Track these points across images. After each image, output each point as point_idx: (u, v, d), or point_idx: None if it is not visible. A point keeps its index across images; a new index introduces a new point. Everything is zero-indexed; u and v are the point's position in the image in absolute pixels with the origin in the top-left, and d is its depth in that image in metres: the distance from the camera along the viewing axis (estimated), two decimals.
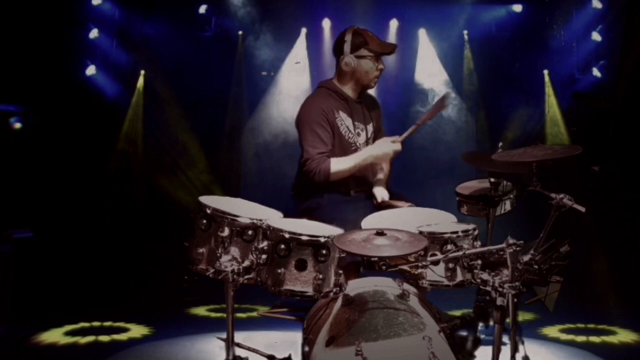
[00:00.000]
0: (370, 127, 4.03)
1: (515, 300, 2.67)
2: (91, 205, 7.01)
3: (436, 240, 2.96)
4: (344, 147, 3.87)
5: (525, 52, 7.47)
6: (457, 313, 4.83)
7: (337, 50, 3.95)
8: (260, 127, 7.67)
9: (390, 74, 7.58)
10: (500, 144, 3.39)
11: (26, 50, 6.31)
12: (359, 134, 3.94)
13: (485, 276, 2.81)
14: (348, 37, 3.89)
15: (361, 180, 3.94)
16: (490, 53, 7.59)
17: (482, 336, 3.27)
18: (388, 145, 3.81)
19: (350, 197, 3.89)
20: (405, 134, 3.85)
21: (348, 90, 3.97)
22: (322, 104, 3.87)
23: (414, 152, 7.15)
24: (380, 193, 3.89)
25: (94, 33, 7.23)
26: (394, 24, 7.62)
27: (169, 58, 7.43)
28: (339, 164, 3.75)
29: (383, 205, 3.82)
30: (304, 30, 7.70)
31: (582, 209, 2.77)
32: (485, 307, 3.20)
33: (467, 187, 3.78)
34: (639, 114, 6.04)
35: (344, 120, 3.89)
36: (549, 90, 7.61)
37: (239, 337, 3.05)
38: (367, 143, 3.96)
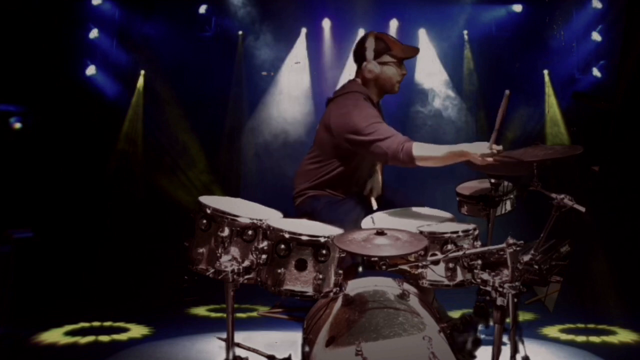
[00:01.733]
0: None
1: (515, 300, 2.67)
2: (91, 205, 7.01)
3: (436, 240, 2.96)
4: None
5: (525, 52, 7.47)
6: (457, 313, 4.83)
7: (359, 56, 3.84)
8: (260, 127, 7.67)
9: None
10: (500, 146, 3.39)
11: (26, 50, 6.32)
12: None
13: (485, 276, 2.81)
14: (369, 44, 3.81)
15: (358, 182, 3.93)
16: (490, 53, 7.59)
17: (482, 336, 3.26)
18: (483, 147, 3.34)
19: (346, 200, 3.86)
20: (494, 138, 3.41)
21: (373, 96, 3.86)
22: (367, 105, 3.70)
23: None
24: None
25: (94, 33, 7.23)
26: (394, 24, 7.62)
27: (169, 58, 7.44)
28: (423, 149, 3.44)
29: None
30: (304, 30, 7.71)
31: (582, 209, 2.77)
32: (485, 307, 3.20)
33: (468, 187, 3.78)
34: (639, 114, 6.04)
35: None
36: (549, 90, 7.61)
37: (239, 337, 3.05)
38: None
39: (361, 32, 7.34)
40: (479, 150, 3.29)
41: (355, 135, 3.56)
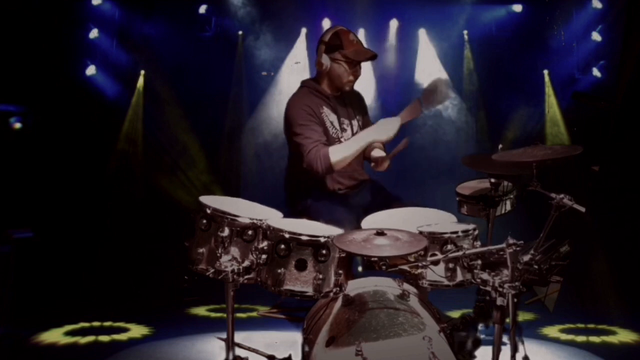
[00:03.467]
0: (355, 122, 4.04)
1: (515, 300, 2.67)
2: (91, 205, 7.01)
3: (436, 240, 2.96)
4: (330, 142, 3.85)
5: (525, 52, 7.47)
6: (457, 313, 4.83)
7: (317, 47, 3.95)
8: (260, 127, 7.67)
9: (390, 74, 7.61)
10: (500, 145, 3.39)
11: (26, 50, 6.32)
12: (344, 129, 3.94)
13: (485, 276, 2.81)
14: (326, 37, 3.89)
15: (349, 180, 3.93)
16: (490, 53, 7.59)
17: (482, 336, 3.27)
18: (389, 127, 3.69)
19: (337, 197, 3.88)
20: (407, 114, 3.75)
21: (326, 87, 3.96)
22: (306, 101, 3.86)
23: (414, 152, 7.16)
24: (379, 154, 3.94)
25: (94, 33, 7.23)
26: (394, 24, 7.62)
27: (169, 58, 7.43)
28: (338, 151, 3.67)
29: (384, 158, 3.88)
30: (304, 30, 7.70)
31: (582, 209, 2.77)
32: (485, 307, 3.21)
33: (468, 187, 3.78)
34: (639, 114, 6.04)
35: (328, 116, 3.90)
36: (549, 90, 7.61)
37: (239, 337, 3.05)
38: None
39: (361, 32, 7.35)
40: (390, 128, 3.66)
41: (289, 130, 3.79)
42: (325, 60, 3.88)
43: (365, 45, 4.01)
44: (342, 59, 3.86)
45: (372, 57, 3.93)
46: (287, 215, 3.16)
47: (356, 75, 3.94)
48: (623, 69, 6.35)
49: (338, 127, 3.91)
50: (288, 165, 4.03)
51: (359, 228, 3.14)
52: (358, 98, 4.21)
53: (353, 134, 3.97)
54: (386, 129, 3.70)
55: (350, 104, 4.08)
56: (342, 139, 3.90)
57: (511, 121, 7.46)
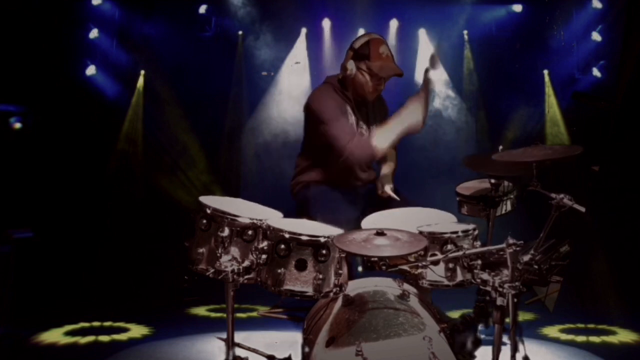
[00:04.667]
0: (374, 128, 3.94)
1: (515, 300, 2.67)
2: (91, 205, 7.01)
3: (436, 240, 2.96)
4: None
5: (525, 52, 7.48)
6: (457, 313, 4.83)
7: (347, 51, 3.87)
8: (260, 127, 7.67)
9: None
10: (501, 147, 3.39)
11: (26, 50, 6.32)
12: (362, 134, 3.86)
13: (485, 276, 2.81)
14: (357, 44, 3.81)
15: (355, 178, 3.93)
16: (490, 53, 7.59)
17: (482, 336, 3.26)
18: (416, 112, 3.57)
19: (339, 193, 3.86)
20: (424, 90, 3.62)
21: (349, 93, 3.87)
22: (334, 95, 3.80)
23: (414, 152, 7.16)
24: (385, 182, 3.93)
25: (94, 33, 7.23)
26: (394, 24, 7.62)
27: (169, 58, 7.44)
28: (380, 137, 3.60)
29: (383, 196, 3.85)
30: (304, 30, 7.71)
31: (582, 209, 2.77)
32: (485, 307, 3.20)
33: (468, 187, 3.78)
34: (639, 114, 6.04)
35: (350, 116, 3.83)
36: (549, 90, 7.61)
37: (239, 337, 3.05)
38: None
39: (361, 32, 7.34)
40: (417, 115, 3.58)
41: (318, 123, 3.71)
42: (351, 66, 3.79)
43: (395, 59, 3.89)
44: (366, 70, 3.77)
45: (398, 74, 3.82)
46: (287, 213, 3.16)
47: (379, 89, 3.84)
48: (623, 69, 6.35)
49: (356, 131, 3.85)
50: (302, 156, 4.02)
51: (359, 228, 3.14)
52: (380, 103, 4.11)
53: None
54: (414, 114, 3.59)
55: (371, 109, 3.99)
56: None
57: (511, 121, 7.46)
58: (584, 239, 6.04)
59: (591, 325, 5.04)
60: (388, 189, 3.92)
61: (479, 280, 2.84)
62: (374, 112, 4.03)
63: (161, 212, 7.22)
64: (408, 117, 3.59)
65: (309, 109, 3.83)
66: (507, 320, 2.69)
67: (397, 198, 3.83)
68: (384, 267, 2.80)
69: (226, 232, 2.84)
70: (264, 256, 2.80)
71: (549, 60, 7.53)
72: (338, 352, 2.64)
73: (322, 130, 3.70)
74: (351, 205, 3.75)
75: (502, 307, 2.68)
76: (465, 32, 7.68)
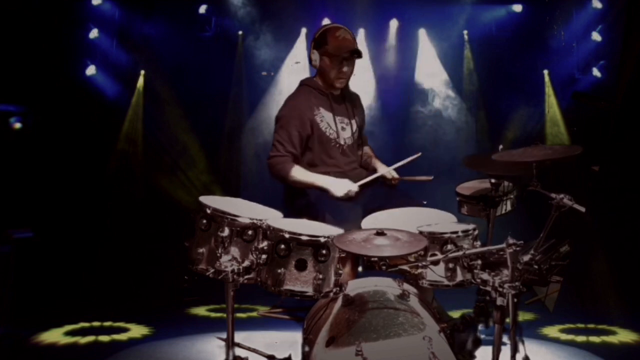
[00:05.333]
0: (354, 122, 4.04)
1: (515, 300, 2.67)
2: (91, 205, 7.01)
3: (436, 240, 2.96)
4: (324, 143, 3.89)
5: (525, 52, 7.47)
6: (457, 313, 4.83)
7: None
8: (260, 127, 7.67)
9: (390, 74, 7.61)
10: (501, 146, 3.39)
11: (26, 50, 6.31)
12: (343, 129, 3.95)
13: (485, 276, 2.81)
14: (317, 34, 3.94)
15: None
16: (490, 53, 7.59)
17: (482, 336, 3.26)
18: (346, 187, 3.70)
19: (336, 198, 3.87)
20: (365, 181, 3.80)
21: (322, 85, 3.98)
22: (300, 102, 3.90)
23: (414, 152, 7.14)
24: (388, 169, 3.96)
25: (94, 33, 7.23)
26: (394, 24, 7.62)
27: (169, 58, 7.44)
28: (299, 173, 3.78)
29: (399, 182, 3.93)
30: (304, 30, 7.71)
31: (582, 209, 2.77)
32: (485, 307, 3.20)
33: (468, 187, 3.78)
34: (639, 114, 6.04)
35: (324, 116, 3.91)
36: (549, 90, 7.61)
37: (239, 337, 3.05)
38: (352, 137, 3.99)
39: (361, 32, 7.35)
40: (344, 189, 3.68)
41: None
42: (315, 56, 3.93)
43: (364, 44, 4.04)
44: (325, 54, 3.89)
45: (353, 51, 3.88)
46: (287, 213, 3.16)
47: (341, 71, 3.89)
48: (623, 69, 6.35)
49: (334, 127, 3.91)
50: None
51: (360, 228, 3.14)
52: (356, 99, 4.21)
53: (352, 134, 3.98)
54: (338, 187, 3.71)
55: (350, 103, 4.08)
56: (339, 140, 3.91)
57: (511, 121, 7.46)
58: (584, 239, 6.04)
59: (591, 325, 5.04)
60: (394, 173, 3.96)
61: (479, 280, 2.84)
62: (354, 106, 4.11)
63: (161, 212, 7.22)
64: (333, 185, 3.72)
65: (277, 113, 4.00)
66: (507, 320, 2.69)
67: (411, 179, 3.93)
68: (384, 267, 2.80)
69: (226, 232, 2.84)
70: (264, 256, 2.80)
71: (549, 60, 7.53)
72: (338, 352, 2.64)
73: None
74: (354, 207, 3.74)
75: (502, 307, 2.68)
76: (465, 32, 7.68)
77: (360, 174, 3.98)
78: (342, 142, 3.92)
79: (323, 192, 3.72)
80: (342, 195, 3.68)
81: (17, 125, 6.45)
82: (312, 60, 3.96)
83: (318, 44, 3.91)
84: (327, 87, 3.98)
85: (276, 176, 3.82)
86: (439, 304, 3.66)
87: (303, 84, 4.05)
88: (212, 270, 2.86)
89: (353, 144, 4.01)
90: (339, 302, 3.00)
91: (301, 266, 2.75)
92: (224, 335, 2.95)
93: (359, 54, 3.91)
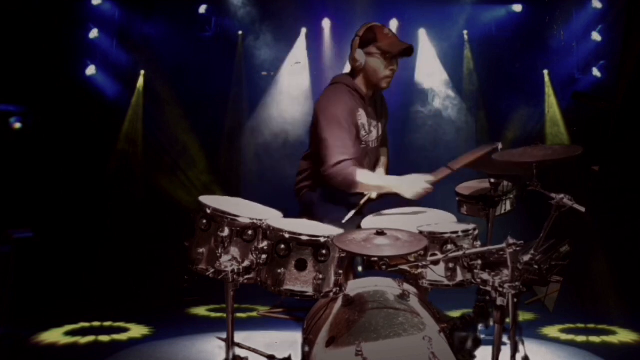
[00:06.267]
0: (380, 125, 3.96)
1: (515, 300, 2.67)
2: (91, 205, 7.01)
3: (436, 240, 2.96)
4: (357, 145, 3.77)
5: (525, 52, 7.48)
6: (457, 313, 4.83)
7: (351, 44, 3.83)
8: (260, 127, 7.68)
9: None
10: (500, 145, 3.39)
11: (26, 50, 6.31)
12: (371, 132, 3.86)
13: (485, 276, 2.81)
14: (361, 32, 3.78)
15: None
16: (490, 53, 7.59)
17: (482, 336, 3.27)
18: (420, 185, 3.48)
19: (344, 197, 3.85)
20: (439, 177, 3.57)
21: (362, 86, 3.83)
22: (347, 102, 3.73)
23: (414, 152, 7.16)
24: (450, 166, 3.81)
25: (94, 33, 7.23)
26: (394, 24, 7.62)
27: (169, 58, 7.44)
28: (365, 178, 3.56)
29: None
30: (304, 30, 7.71)
31: (582, 209, 2.77)
32: (485, 307, 3.20)
33: (467, 187, 3.78)
34: (639, 114, 6.04)
35: (362, 118, 3.80)
36: (549, 90, 7.61)
37: (239, 337, 3.05)
38: (377, 140, 3.92)
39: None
40: (419, 188, 3.46)
41: (317, 125, 3.68)
42: (360, 55, 3.74)
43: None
44: (377, 51, 3.73)
45: (408, 48, 3.77)
46: (287, 213, 3.16)
47: (393, 70, 3.78)
48: (623, 69, 6.35)
49: (367, 129, 3.83)
50: (308, 158, 3.97)
51: (360, 228, 3.14)
52: (383, 100, 4.11)
53: (377, 137, 3.90)
54: (409, 187, 3.49)
55: (378, 105, 3.99)
56: (368, 142, 3.83)
57: (511, 121, 7.46)
58: (584, 239, 6.04)
59: (591, 325, 5.04)
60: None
61: (479, 280, 2.84)
62: (382, 108, 4.03)
63: (161, 212, 7.22)
64: (405, 186, 3.51)
65: (316, 108, 3.79)
66: (507, 320, 2.69)
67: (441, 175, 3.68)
68: (384, 267, 2.80)
69: (226, 232, 2.84)
70: (264, 256, 2.80)
71: (549, 60, 7.53)
72: (338, 352, 2.64)
73: (319, 134, 3.67)
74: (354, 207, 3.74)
75: (502, 307, 2.68)
76: (465, 32, 7.68)
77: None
78: (370, 145, 3.85)
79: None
80: (415, 196, 3.47)
81: (17, 125, 6.45)
82: (355, 60, 3.75)
83: (366, 43, 3.74)
84: (370, 88, 3.83)
85: (342, 184, 3.55)
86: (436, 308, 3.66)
87: (339, 82, 3.85)
88: (212, 270, 2.85)
89: (377, 146, 3.96)
90: (339, 302, 3.00)
91: (301, 266, 2.75)
92: (224, 335, 2.95)
93: (412, 50, 3.78)
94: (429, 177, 3.50)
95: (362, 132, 3.80)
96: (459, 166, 3.54)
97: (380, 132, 3.96)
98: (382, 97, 4.12)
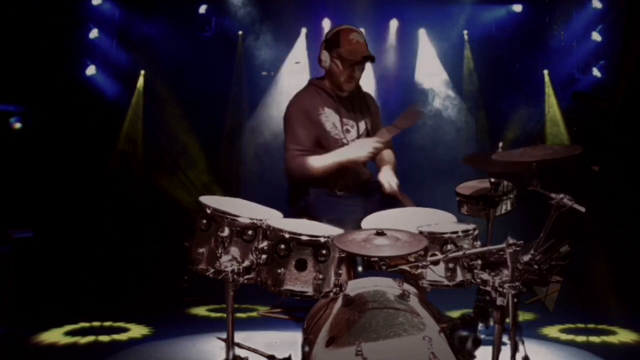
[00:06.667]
0: (362, 124, 3.99)
1: (515, 300, 2.67)
2: (91, 205, 7.01)
3: (436, 240, 2.96)
4: (330, 144, 3.86)
5: (525, 52, 7.48)
6: (457, 313, 4.83)
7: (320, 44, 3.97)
8: (260, 127, 7.67)
9: (390, 74, 7.61)
10: (501, 144, 3.39)
11: (26, 50, 6.31)
12: (347, 131, 3.91)
13: (485, 276, 2.81)
14: (329, 34, 3.90)
15: (349, 180, 3.92)
16: (490, 53, 7.59)
17: (482, 336, 3.27)
18: (363, 147, 3.74)
19: (338, 197, 3.87)
20: (384, 137, 3.79)
21: (330, 86, 3.95)
22: (305, 101, 3.88)
23: (414, 152, 7.16)
24: (388, 179, 3.86)
25: (94, 33, 7.23)
26: (394, 24, 7.63)
27: (169, 58, 7.44)
28: (316, 161, 3.74)
29: (391, 195, 3.81)
30: (304, 30, 7.71)
31: (582, 209, 2.77)
32: (485, 307, 3.20)
33: (468, 187, 3.78)
34: (639, 114, 6.04)
35: (329, 117, 3.88)
36: (549, 90, 7.61)
37: (239, 337, 3.05)
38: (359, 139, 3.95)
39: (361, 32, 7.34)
40: (362, 150, 3.71)
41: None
42: (325, 56, 3.89)
43: (368, 46, 3.93)
44: (337, 57, 3.84)
45: (367, 58, 3.85)
46: (287, 213, 3.16)
47: (352, 76, 3.86)
48: (623, 69, 6.35)
49: (340, 129, 3.88)
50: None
51: (360, 228, 3.14)
52: (367, 100, 4.15)
53: (358, 136, 3.94)
54: (359, 148, 3.75)
55: (358, 106, 4.03)
56: (344, 140, 3.88)
57: (511, 121, 7.46)
58: (584, 239, 6.04)
59: (591, 325, 5.04)
60: (394, 184, 3.87)
61: (479, 280, 2.84)
62: (362, 109, 4.05)
63: (161, 212, 7.22)
64: (351, 151, 3.76)
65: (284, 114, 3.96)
66: (507, 320, 2.69)
67: (399, 196, 3.80)
68: (384, 267, 2.80)
69: (226, 232, 2.84)
70: (264, 256, 2.80)
71: (549, 60, 7.54)
72: (338, 352, 2.64)
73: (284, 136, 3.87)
74: (354, 207, 3.74)
75: (502, 307, 2.68)
76: (465, 32, 7.69)
77: (362, 174, 3.97)
78: (346, 143, 3.89)
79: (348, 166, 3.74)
80: (369, 154, 3.72)
81: (17, 125, 6.45)
82: (321, 60, 3.90)
83: (330, 45, 3.85)
84: (335, 89, 3.94)
85: (297, 175, 3.76)
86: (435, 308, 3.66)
87: (310, 83, 4.03)
88: (212, 270, 2.85)
89: None
90: (339, 302, 3.00)
91: (301, 266, 2.75)
92: (224, 335, 2.95)
93: (372, 59, 3.88)
94: (375, 138, 3.79)
95: (334, 131, 3.86)
96: (399, 127, 3.81)
97: (362, 132, 3.97)
98: (367, 96, 4.17)
